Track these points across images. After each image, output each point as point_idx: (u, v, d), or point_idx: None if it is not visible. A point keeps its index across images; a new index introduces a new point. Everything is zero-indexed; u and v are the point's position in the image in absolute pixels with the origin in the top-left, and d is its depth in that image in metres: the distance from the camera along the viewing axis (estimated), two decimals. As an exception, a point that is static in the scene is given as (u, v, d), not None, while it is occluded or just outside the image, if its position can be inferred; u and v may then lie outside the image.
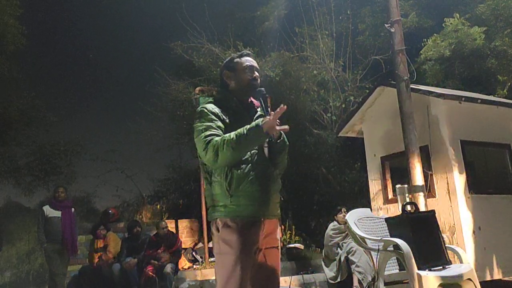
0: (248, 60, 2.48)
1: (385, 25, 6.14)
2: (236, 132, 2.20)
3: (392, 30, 6.04)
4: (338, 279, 6.27)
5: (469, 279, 3.71)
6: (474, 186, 5.97)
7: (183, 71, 12.09)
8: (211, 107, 2.36)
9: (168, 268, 6.72)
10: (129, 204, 12.77)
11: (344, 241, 6.42)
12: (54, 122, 12.14)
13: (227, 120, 2.34)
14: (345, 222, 4.87)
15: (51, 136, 12.44)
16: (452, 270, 3.74)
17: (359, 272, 5.89)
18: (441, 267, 3.75)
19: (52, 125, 12.15)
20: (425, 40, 10.14)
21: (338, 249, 6.45)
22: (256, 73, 2.46)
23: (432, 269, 3.67)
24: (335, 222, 6.73)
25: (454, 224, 5.67)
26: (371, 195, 7.13)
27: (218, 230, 2.31)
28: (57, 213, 6.75)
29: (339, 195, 9.93)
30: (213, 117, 2.31)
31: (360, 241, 4.12)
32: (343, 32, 10.98)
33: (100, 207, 12.79)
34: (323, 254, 6.83)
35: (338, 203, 7.86)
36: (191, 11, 11.37)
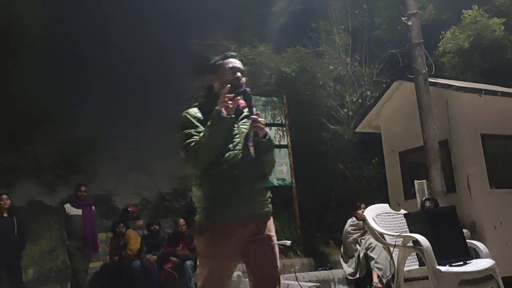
0: (231, 62, 2.47)
1: (402, 18, 6.08)
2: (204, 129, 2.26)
3: (409, 23, 5.97)
4: (357, 276, 6.24)
5: (491, 274, 3.66)
6: (495, 181, 5.88)
7: (200, 68, 12.15)
8: (194, 111, 2.38)
9: (188, 264, 6.78)
10: (148, 201, 12.93)
11: (363, 237, 6.38)
12: (76, 121, 12.36)
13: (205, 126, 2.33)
14: (364, 218, 4.84)
15: (72, 135, 12.67)
16: (473, 266, 3.68)
17: (379, 268, 5.85)
18: (462, 263, 3.70)
19: (73, 124, 12.37)
20: (443, 32, 9.99)
21: (357, 245, 6.42)
22: (239, 74, 2.44)
23: (453, 264, 3.62)
24: (353, 218, 6.69)
25: (475, 219, 5.59)
26: (390, 191, 7.09)
27: (198, 233, 2.33)
28: (78, 211, 6.86)
29: (356, 191, 9.86)
30: (195, 122, 2.33)
31: (379, 237, 4.09)
32: (359, 26, 10.88)
33: (120, 205, 12.99)
34: (342, 250, 6.80)
35: (356, 199, 7.81)
36: (207, 9, 11.42)
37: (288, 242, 6.69)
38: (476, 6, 9.63)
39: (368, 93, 10.32)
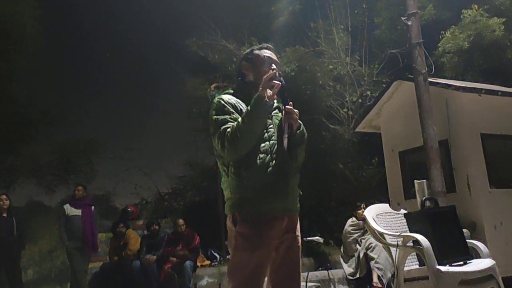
0: (267, 53, 2.44)
1: (402, 18, 6.07)
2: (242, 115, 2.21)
3: (409, 23, 5.96)
4: (357, 275, 6.23)
5: (491, 274, 3.65)
6: (495, 181, 5.87)
7: (198, 68, 12.15)
8: (228, 97, 2.32)
9: (187, 265, 6.78)
10: (147, 201, 12.91)
11: (363, 237, 6.38)
12: (74, 121, 12.34)
13: (245, 111, 2.28)
14: (364, 218, 4.83)
15: (71, 135, 12.70)
16: (473, 266, 3.68)
17: (379, 268, 5.85)
18: (462, 263, 3.70)
19: (72, 124, 12.36)
20: (443, 32, 9.99)
21: (357, 245, 6.41)
22: (274, 65, 2.40)
23: (453, 264, 3.62)
24: (353, 218, 6.69)
25: (475, 219, 5.58)
26: (390, 191, 7.08)
27: (235, 224, 2.21)
28: (78, 212, 6.86)
29: (356, 191, 9.85)
30: (230, 108, 2.27)
31: (379, 237, 4.08)
32: (358, 26, 10.88)
33: (119, 205, 12.97)
34: (342, 250, 6.80)
35: (356, 199, 7.81)
36: (206, 8, 11.41)
37: (321, 239, 6.53)
38: (476, 6, 9.63)
39: (368, 93, 10.32)
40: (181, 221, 7.35)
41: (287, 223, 2.27)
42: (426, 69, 5.89)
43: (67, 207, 6.91)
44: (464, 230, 4.30)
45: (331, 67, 10.55)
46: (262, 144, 2.23)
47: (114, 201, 13.91)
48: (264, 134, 2.25)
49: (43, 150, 12.17)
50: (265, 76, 2.23)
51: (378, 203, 4.68)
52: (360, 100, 10.40)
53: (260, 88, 2.21)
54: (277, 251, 2.26)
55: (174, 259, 6.90)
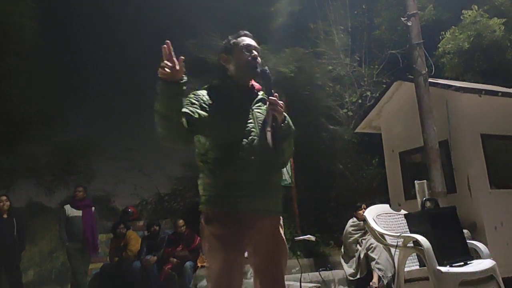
0: (246, 40, 2.28)
1: (402, 18, 6.08)
2: None
3: (409, 23, 5.96)
4: (358, 276, 6.22)
5: (492, 275, 3.65)
6: (495, 181, 5.87)
7: (197, 69, 12.13)
8: (202, 93, 2.19)
9: (187, 265, 6.78)
10: (147, 202, 12.90)
11: (364, 237, 6.37)
12: (74, 122, 12.37)
13: (221, 107, 2.13)
14: (365, 219, 4.83)
15: (70, 135, 12.66)
16: (474, 266, 3.68)
17: (379, 269, 5.84)
18: (462, 263, 3.70)
19: (71, 124, 12.37)
20: (443, 33, 10.00)
21: (358, 245, 6.40)
22: (255, 52, 2.25)
23: (453, 265, 3.61)
24: (354, 219, 6.68)
25: (475, 219, 5.58)
26: (390, 191, 7.07)
27: (208, 223, 2.09)
28: (78, 213, 6.86)
29: (357, 192, 9.86)
30: (195, 101, 2.12)
31: (380, 238, 4.08)
32: (358, 26, 10.89)
33: (119, 206, 12.95)
34: (342, 250, 6.79)
35: (356, 199, 7.81)
36: (204, 9, 11.40)
37: (313, 238, 6.44)
38: (476, 7, 9.63)
39: (368, 93, 10.33)
40: (181, 222, 7.35)
41: (268, 225, 2.16)
42: (426, 69, 5.89)
43: (67, 208, 6.91)
44: (465, 231, 4.30)
45: (330, 67, 10.55)
46: (240, 140, 2.09)
47: (114, 202, 13.90)
48: (242, 129, 2.12)
49: (42, 151, 12.17)
50: (165, 52, 1.96)
51: (378, 203, 4.68)
52: (360, 101, 10.41)
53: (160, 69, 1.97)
54: (260, 254, 2.16)
55: (175, 259, 6.90)
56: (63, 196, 11.78)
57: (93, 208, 7.16)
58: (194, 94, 2.18)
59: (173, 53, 1.94)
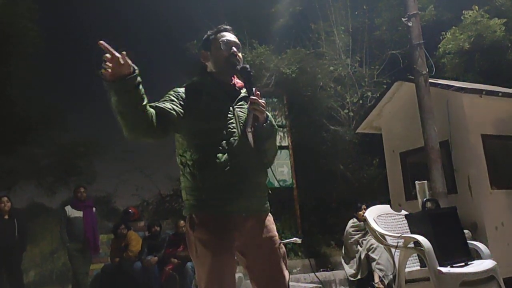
0: (225, 35, 2.18)
1: (403, 19, 6.07)
2: None
3: (410, 24, 5.96)
4: (358, 276, 6.23)
5: (493, 275, 3.65)
6: (496, 181, 5.87)
7: (198, 70, 12.14)
8: (181, 90, 2.11)
9: (188, 266, 6.77)
10: (148, 203, 12.92)
11: (364, 238, 6.38)
12: (75, 123, 12.41)
13: (201, 104, 2.06)
14: (365, 219, 4.84)
15: (71, 137, 12.69)
16: (474, 267, 3.68)
17: (380, 269, 5.84)
18: (463, 264, 3.70)
19: (72, 126, 12.41)
20: (444, 33, 10.00)
21: (358, 246, 6.41)
22: (234, 49, 2.16)
23: (454, 265, 3.62)
24: (354, 219, 6.69)
25: (476, 220, 5.58)
26: (391, 192, 7.07)
27: (192, 228, 2.03)
28: (79, 213, 6.86)
29: (357, 192, 9.86)
30: (173, 98, 2.05)
31: (380, 238, 4.08)
32: (359, 27, 10.89)
33: (121, 206, 12.99)
34: (343, 251, 6.79)
35: (357, 200, 7.81)
36: (206, 10, 11.41)
37: (299, 240, 6.39)
38: (477, 7, 9.64)
39: (369, 94, 10.33)
40: (182, 223, 7.33)
41: (254, 224, 2.08)
42: (427, 70, 5.89)
43: (68, 208, 6.92)
44: (465, 231, 4.30)
45: (332, 68, 10.56)
46: (220, 141, 2.02)
47: (115, 202, 13.94)
48: (222, 129, 2.04)
49: (43, 152, 12.21)
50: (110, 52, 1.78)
51: (379, 204, 4.68)
52: (360, 101, 10.41)
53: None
54: (249, 257, 2.10)
55: (176, 260, 6.90)
56: (64, 197, 11.83)
57: (94, 209, 7.16)
58: (174, 91, 2.10)
59: (111, 49, 1.77)
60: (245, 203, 2.05)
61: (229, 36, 2.19)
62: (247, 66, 2.14)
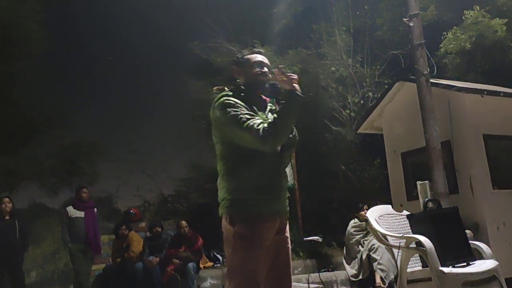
0: (258, 56, 2.48)
1: (404, 19, 6.08)
2: (272, 116, 2.25)
3: (411, 24, 5.97)
4: (360, 277, 6.22)
5: (494, 275, 3.64)
6: (498, 181, 5.87)
7: (201, 71, 12.16)
8: (232, 95, 2.32)
9: (190, 267, 6.78)
10: (150, 203, 12.93)
11: (365, 238, 6.37)
12: (77, 124, 12.39)
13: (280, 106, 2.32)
14: (367, 219, 4.83)
15: (73, 137, 12.67)
16: (476, 267, 3.68)
17: (381, 270, 5.84)
18: (465, 264, 3.70)
19: (75, 126, 12.40)
20: (445, 33, 9.98)
21: (360, 246, 6.40)
22: (266, 69, 2.43)
23: (456, 265, 3.61)
24: (356, 219, 6.68)
25: (477, 220, 5.57)
26: (392, 192, 7.07)
27: (233, 224, 2.24)
28: (81, 214, 6.87)
29: (359, 192, 9.85)
30: (240, 103, 2.26)
31: (382, 238, 4.08)
32: (360, 27, 10.88)
33: (122, 207, 12.97)
34: (344, 251, 6.79)
35: (359, 200, 7.80)
36: (208, 11, 11.44)
37: (320, 239, 6.40)
38: (478, 7, 9.62)
39: (370, 94, 10.32)
40: (183, 223, 7.35)
41: (279, 225, 2.32)
42: (428, 70, 5.89)
43: (70, 209, 6.92)
44: (467, 231, 4.31)
45: (333, 68, 10.55)
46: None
47: (116, 203, 13.93)
48: None
49: (45, 152, 12.20)
50: (275, 70, 2.28)
51: (380, 204, 4.68)
52: (362, 102, 10.40)
53: (280, 82, 2.26)
54: (273, 253, 2.29)
55: (177, 261, 6.90)
56: (66, 198, 11.82)
57: (95, 209, 7.17)
58: (233, 101, 2.27)
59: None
60: (278, 205, 2.32)
61: (263, 59, 2.48)
62: (276, 82, 2.35)
